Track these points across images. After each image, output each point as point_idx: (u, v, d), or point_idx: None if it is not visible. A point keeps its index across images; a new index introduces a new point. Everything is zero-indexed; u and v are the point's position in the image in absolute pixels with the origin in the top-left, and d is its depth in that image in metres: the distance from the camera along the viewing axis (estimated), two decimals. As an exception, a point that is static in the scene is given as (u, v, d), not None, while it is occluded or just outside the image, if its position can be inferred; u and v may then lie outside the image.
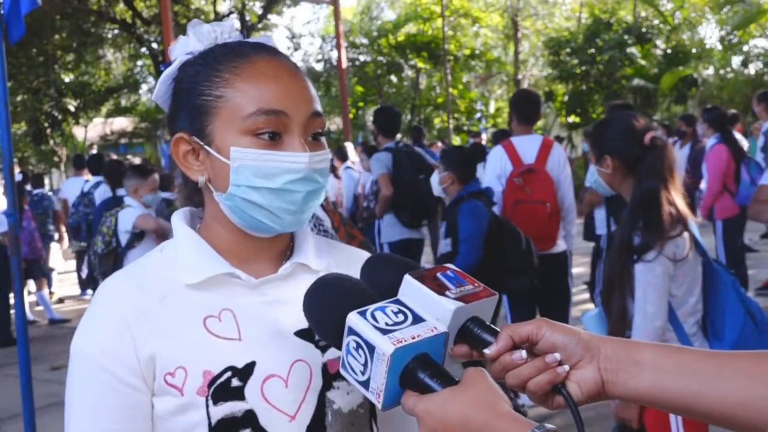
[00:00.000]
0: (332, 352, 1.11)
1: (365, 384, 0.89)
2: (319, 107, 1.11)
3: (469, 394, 0.83)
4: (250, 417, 1.05)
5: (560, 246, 4.82)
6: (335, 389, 1.11)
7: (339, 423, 1.11)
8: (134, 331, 1.04)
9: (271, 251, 1.15)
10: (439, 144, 16.67)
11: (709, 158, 6.85)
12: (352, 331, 0.89)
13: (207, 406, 1.03)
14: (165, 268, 1.12)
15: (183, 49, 1.13)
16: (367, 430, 1.15)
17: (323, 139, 1.12)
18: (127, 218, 5.10)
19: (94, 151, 11.44)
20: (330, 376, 1.11)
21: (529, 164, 4.76)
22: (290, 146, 1.05)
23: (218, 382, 1.04)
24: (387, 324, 0.88)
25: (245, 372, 1.05)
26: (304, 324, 1.09)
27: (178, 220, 1.17)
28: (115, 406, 1.04)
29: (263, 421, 1.05)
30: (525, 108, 5.03)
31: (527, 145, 4.86)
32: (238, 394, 1.05)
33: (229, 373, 1.05)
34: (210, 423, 1.03)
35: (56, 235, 9.74)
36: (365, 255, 1.27)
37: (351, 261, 1.23)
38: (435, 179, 4.51)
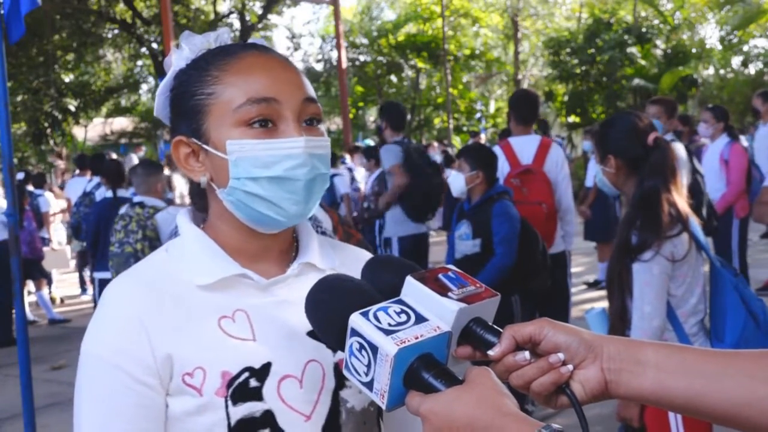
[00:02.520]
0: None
1: (369, 385, 0.88)
2: (312, 94, 1.10)
3: (474, 394, 0.83)
4: (268, 417, 1.05)
5: (559, 246, 4.81)
6: (348, 388, 1.11)
7: (353, 421, 1.11)
8: (150, 331, 1.04)
9: (276, 250, 1.15)
10: (435, 144, 16.60)
11: (732, 156, 6.82)
12: (354, 333, 0.88)
13: (226, 407, 1.03)
14: (173, 268, 1.11)
15: (177, 60, 1.14)
16: (376, 427, 1.16)
17: (322, 127, 1.11)
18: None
19: (136, 158, 11.25)
20: (342, 375, 1.10)
21: (527, 165, 4.75)
22: (285, 133, 1.05)
23: (237, 382, 1.04)
24: (390, 324, 0.87)
25: (262, 372, 1.06)
26: None
27: (184, 220, 1.17)
28: (129, 405, 1.03)
29: (281, 422, 1.05)
30: (524, 108, 5.02)
31: (525, 146, 4.84)
32: (257, 395, 1.05)
33: (247, 374, 1.05)
34: (229, 423, 1.03)
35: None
36: (367, 255, 1.28)
37: (354, 260, 1.23)
38: (456, 179, 4.34)
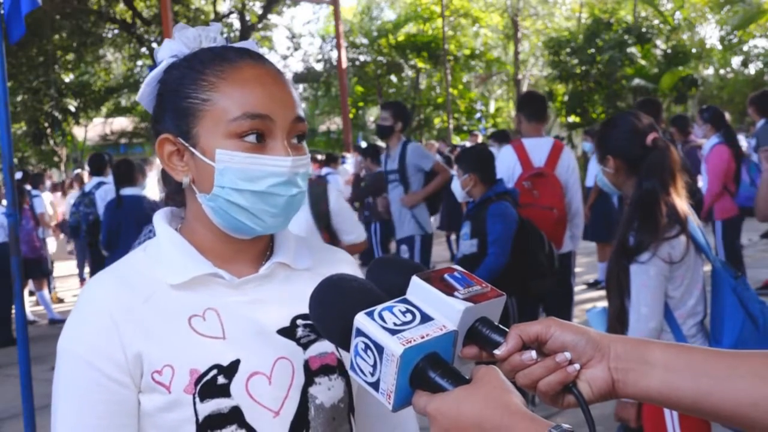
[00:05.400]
0: (313, 349, 1.14)
1: (375, 385, 0.88)
2: (301, 112, 1.13)
3: (482, 394, 0.82)
4: (235, 413, 1.07)
5: (567, 246, 4.78)
6: (317, 385, 1.13)
7: (321, 418, 1.13)
8: (121, 329, 1.07)
9: (251, 252, 1.17)
10: (435, 144, 16.55)
11: (710, 158, 6.78)
12: (360, 332, 0.88)
13: (194, 404, 1.06)
14: (149, 267, 1.13)
15: (168, 52, 1.14)
16: (346, 423, 1.17)
17: (304, 144, 1.14)
18: None
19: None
20: (311, 373, 1.13)
21: (539, 167, 4.71)
22: (274, 150, 1.08)
23: (204, 380, 1.06)
24: (395, 324, 0.87)
25: (230, 370, 1.08)
26: (285, 322, 1.14)
27: (160, 220, 1.18)
28: (101, 401, 1.06)
29: (248, 418, 1.08)
30: (532, 104, 5.01)
31: (538, 148, 4.80)
32: (224, 392, 1.07)
33: (214, 371, 1.07)
34: (197, 419, 1.06)
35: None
36: (345, 254, 1.31)
37: (331, 260, 1.25)
38: (456, 184, 4.35)
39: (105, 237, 6.45)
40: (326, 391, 1.14)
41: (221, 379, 1.07)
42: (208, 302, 1.11)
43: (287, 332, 1.13)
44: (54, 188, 14.79)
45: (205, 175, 1.09)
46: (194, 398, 1.05)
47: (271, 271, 1.16)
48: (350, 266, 1.26)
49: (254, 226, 1.10)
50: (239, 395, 1.07)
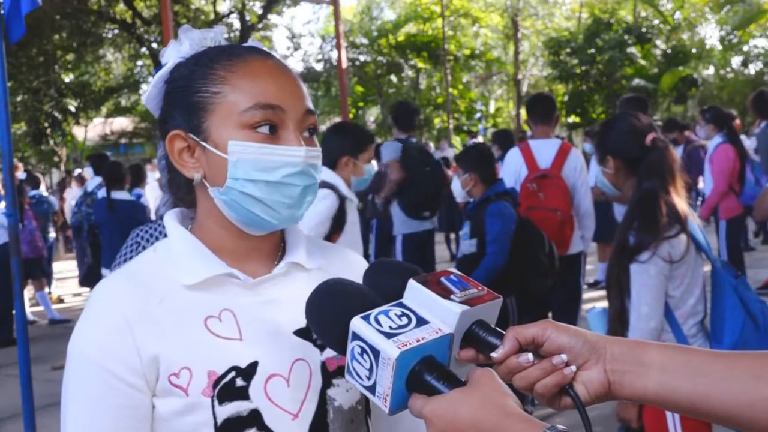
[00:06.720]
0: (330, 350, 1.12)
1: (371, 389, 0.88)
2: (311, 105, 1.13)
3: (478, 396, 0.82)
4: (255, 416, 1.06)
5: (576, 247, 4.76)
6: (335, 387, 1.12)
7: (340, 420, 1.12)
8: (135, 332, 1.04)
9: (264, 250, 1.16)
10: (431, 144, 16.54)
11: (715, 158, 6.78)
12: (356, 336, 0.88)
13: (213, 407, 1.04)
14: (161, 268, 1.12)
15: (175, 53, 1.14)
16: (364, 426, 1.17)
17: (315, 138, 1.14)
18: None
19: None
20: (329, 374, 1.12)
21: (545, 169, 4.70)
22: (287, 140, 1.07)
23: (223, 382, 1.04)
24: (391, 328, 0.87)
25: (248, 372, 1.06)
26: (302, 323, 1.10)
27: (171, 220, 1.17)
28: (115, 405, 1.04)
29: (268, 420, 1.06)
30: (540, 104, 5.01)
31: (544, 150, 4.78)
32: (243, 394, 1.05)
33: (233, 373, 1.05)
34: (216, 423, 1.04)
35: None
36: (356, 255, 1.30)
37: (341, 260, 1.24)
38: (456, 184, 4.36)
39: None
40: (344, 393, 1.12)
41: (240, 381, 1.05)
42: (223, 303, 1.09)
43: (304, 333, 1.11)
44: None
45: (217, 169, 1.08)
46: (213, 401, 1.03)
47: (285, 270, 1.15)
48: (360, 267, 1.24)
49: (269, 218, 1.08)
50: (258, 398, 1.06)
